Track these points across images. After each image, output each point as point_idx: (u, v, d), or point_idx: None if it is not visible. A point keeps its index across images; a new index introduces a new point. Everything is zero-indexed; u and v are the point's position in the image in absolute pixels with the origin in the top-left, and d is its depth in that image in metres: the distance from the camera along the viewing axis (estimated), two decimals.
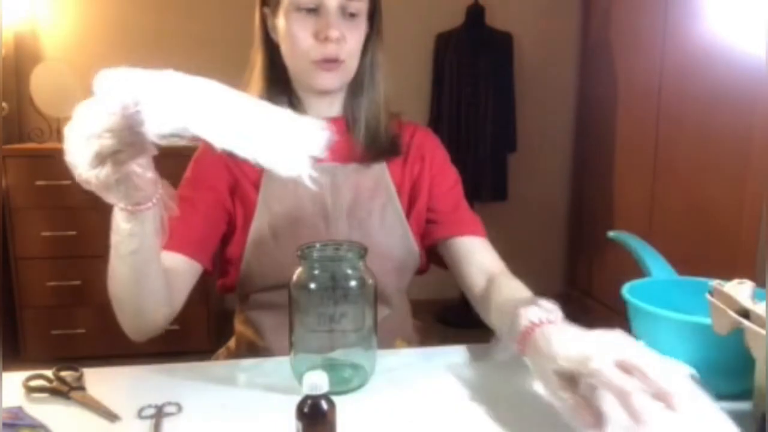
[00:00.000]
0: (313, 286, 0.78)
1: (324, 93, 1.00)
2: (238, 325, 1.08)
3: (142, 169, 0.67)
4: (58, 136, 2.81)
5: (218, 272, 1.04)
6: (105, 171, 0.63)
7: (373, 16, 1.01)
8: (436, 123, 3.07)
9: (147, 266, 0.78)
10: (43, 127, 2.77)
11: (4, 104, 2.60)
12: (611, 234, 1.05)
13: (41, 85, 2.72)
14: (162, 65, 0.61)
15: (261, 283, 0.99)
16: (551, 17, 3.25)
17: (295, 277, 0.79)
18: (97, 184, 0.65)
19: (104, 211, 0.73)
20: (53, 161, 2.52)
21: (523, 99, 3.15)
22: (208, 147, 1.05)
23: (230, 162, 0.99)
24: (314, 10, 0.93)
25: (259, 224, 0.98)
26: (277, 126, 0.64)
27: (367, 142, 1.02)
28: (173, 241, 0.85)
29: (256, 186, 0.99)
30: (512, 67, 3.08)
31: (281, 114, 0.66)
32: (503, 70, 3.05)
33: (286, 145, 0.63)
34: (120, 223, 0.72)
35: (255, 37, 1.02)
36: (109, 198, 0.68)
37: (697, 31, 2.32)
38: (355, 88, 1.03)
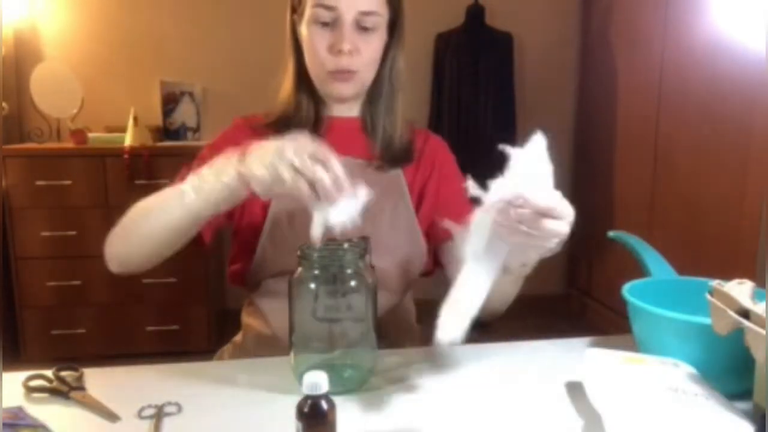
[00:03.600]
0: (313, 285, 0.78)
1: (341, 100, 1.03)
2: (246, 318, 1.10)
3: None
4: (58, 136, 2.82)
5: (228, 260, 1.08)
6: (279, 170, 0.73)
7: (395, 24, 1.02)
8: (436, 123, 3.07)
9: (192, 231, 0.87)
10: (43, 127, 2.77)
11: (4, 104, 2.60)
12: (611, 234, 1.05)
13: (41, 85, 2.72)
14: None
15: (275, 269, 1.01)
16: (551, 17, 3.24)
17: (295, 276, 0.79)
18: (264, 175, 0.74)
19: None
20: (53, 161, 2.53)
21: (523, 99, 3.15)
22: (237, 127, 1.04)
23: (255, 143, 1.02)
24: (331, 24, 0.96)
25: (276, 210, 1.00)
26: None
27: (383, 148, 1.05)
28: None
29: None
30: (512, 67, 3.08)
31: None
32: (503, 70, 3.05)
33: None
34: (215, 186, 0.78)
35: (286, 43, 1.05)
36: (257, 178, 0.75)
37: (697, 30, 2.32)
38: (374, 94, 1.06)
